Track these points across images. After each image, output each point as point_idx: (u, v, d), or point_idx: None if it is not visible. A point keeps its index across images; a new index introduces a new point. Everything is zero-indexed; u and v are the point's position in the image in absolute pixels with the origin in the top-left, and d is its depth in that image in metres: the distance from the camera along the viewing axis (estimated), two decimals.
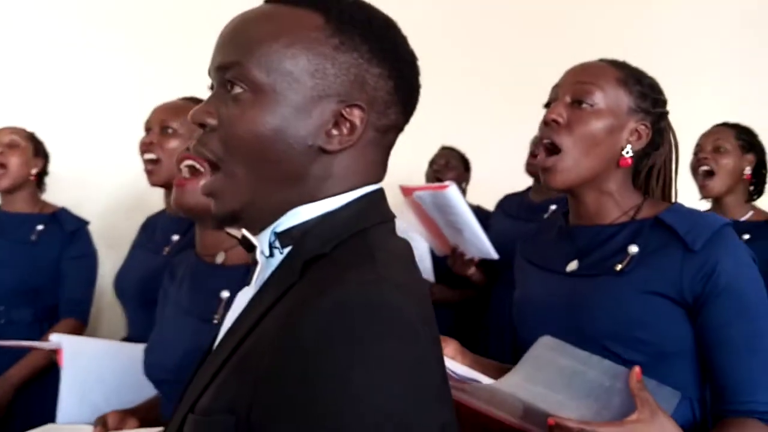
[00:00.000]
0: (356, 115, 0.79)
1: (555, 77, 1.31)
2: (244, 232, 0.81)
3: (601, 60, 1.31)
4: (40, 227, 2.32)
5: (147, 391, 1.66)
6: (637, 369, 1.09)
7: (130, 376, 1.66)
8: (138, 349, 1.74)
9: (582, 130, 1.22)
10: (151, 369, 1.44)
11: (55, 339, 1.61)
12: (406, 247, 0.82)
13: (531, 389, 1.11)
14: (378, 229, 0.80)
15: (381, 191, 0.83)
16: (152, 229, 2.02)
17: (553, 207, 2.44)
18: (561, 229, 1.34)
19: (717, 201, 2.31)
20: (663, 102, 1.30)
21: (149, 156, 1.86)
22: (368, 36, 0.79)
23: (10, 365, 2.18)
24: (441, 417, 0.69)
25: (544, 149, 1.26)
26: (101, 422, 1.40)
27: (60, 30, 2.83)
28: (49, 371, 2.14)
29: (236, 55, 0.78)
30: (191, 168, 1.31)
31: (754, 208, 2.31)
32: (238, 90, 0.77)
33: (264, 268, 0.82)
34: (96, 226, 2.48)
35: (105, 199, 2.83)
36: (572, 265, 1.26)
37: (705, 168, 2.27)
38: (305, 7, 0.79)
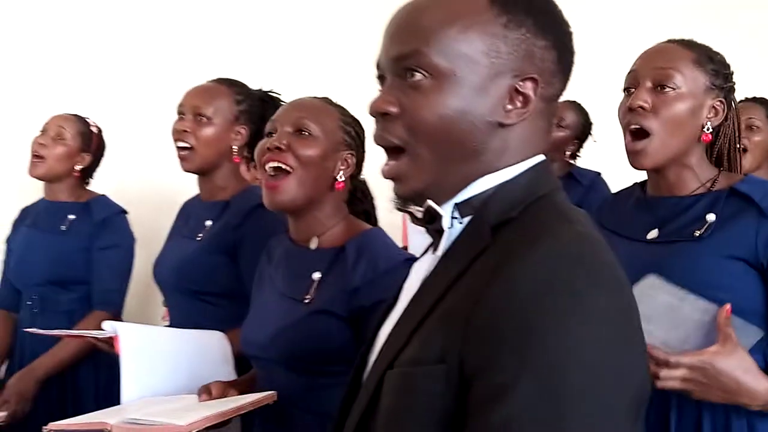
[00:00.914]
0: (529, 87, 0.83)
1: None
2: (430, 203, 0.85)
3: (671, 41, 1.37)
4: (71, 216, 2.28)
5: (200, 371, 1.70)
6: (727, 306, 1.17)
7: (182, 359, 1.69)
8: (186, 333, 1.77)
9: (668, 114, 1.31)
10: (247, 345, 1.54)
11: (109, 327, 1.62)
12: (586, 214, 0.86)
13: None
14: (557, 194, 0.86)
15: (548, 160, 0.88)
16: (187, 215, 2.02)
17: None
18: (639, 200, 1.42)
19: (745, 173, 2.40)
20: (731, 75, 1.38)
21: (183, 144, 1.87)
22: (531, 11, 0.84)
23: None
24: (643, 362, 0.77)
25: (631, 134, 1.33)
26: (205, 390, 1.45)
27: (99, 19, 2.81)
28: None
29: (414, 44, 0.82)
30: (277, 169, 1.43)
31: None
32: (418, 77, 0.82)
33: (446, 238, 0.85)
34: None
35: (138, 190, 2.78)
36: (653, 233, 1.36)
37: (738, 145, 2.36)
38: None
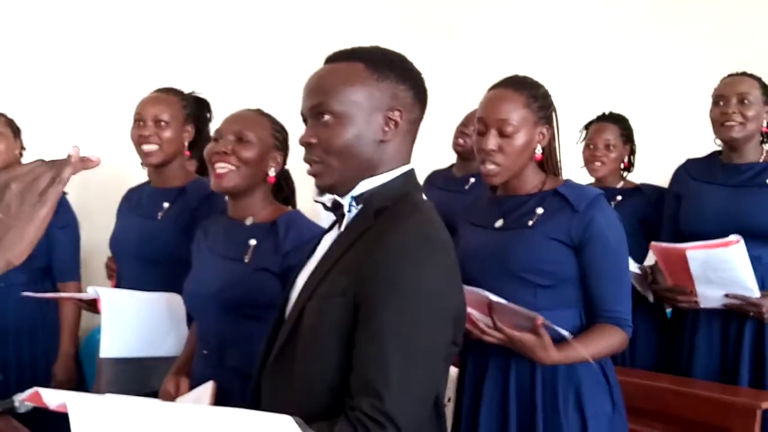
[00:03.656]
0: (397, 115, 1.29)
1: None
2: (335, 197, 1.31)
3: (506, 86, 1.81)
4: None
5: (164, 327, 2.11)
6: (539, 321, 1.63)
7: (149, 317, 2.11)
8: (154, 297, 2.16)
9: (510, 150, 1.77)
10: (192, 297, 1.95)
11: (92, 291, 2.00)
12: (431, 205, 1.33)
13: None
14: (416, 193, 1.33)
15: (413, 169, 1.35)
16: (137, 198, 2.42)
17: (472, 179, 3.01)
18: (491, 199, 1.92)
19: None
20: (551, 103, 1.85)
21: (149, 147, 2.28)
22: (393, 68, 1.30)
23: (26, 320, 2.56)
24: (462, 297, 1.29)
25: (485, 164, 1.78)
26: (168, 392, 1.90)
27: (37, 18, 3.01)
28: None
29: (321, 98, 1.28)
30: (221, 168, 1.87)
31: (625, 180, 3.02)
32: (326, 118, 1.27)
33: (346, 219, 1.31)
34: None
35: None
36: (499, 223, 1.84)
37: (598, 163, 2.93)
38: (351, 60, 1.30)
